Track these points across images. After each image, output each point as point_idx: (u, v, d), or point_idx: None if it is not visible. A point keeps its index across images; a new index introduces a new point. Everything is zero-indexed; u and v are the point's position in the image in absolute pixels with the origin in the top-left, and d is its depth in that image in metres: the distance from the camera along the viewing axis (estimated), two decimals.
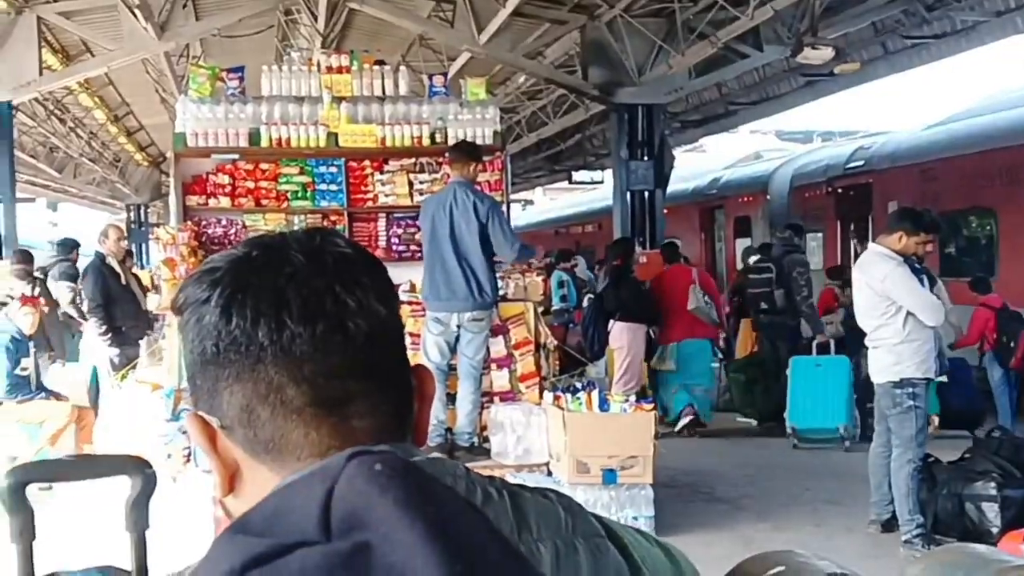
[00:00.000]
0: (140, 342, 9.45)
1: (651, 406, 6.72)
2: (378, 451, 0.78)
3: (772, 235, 13.25)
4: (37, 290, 9.92)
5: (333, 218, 8.10)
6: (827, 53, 11.22)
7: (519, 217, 27.42)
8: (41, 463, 2.48)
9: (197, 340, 0.94)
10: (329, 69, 8.06)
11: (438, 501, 0.73)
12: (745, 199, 16.49)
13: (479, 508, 0.85)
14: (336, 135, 7.86)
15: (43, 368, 8.83)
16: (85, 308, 9.55)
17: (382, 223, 8.22)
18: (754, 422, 10.93)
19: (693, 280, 10.42)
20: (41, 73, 12.14)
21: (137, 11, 10.43)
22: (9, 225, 11.98)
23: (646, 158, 12.33)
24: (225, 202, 8.05)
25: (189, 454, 6.69)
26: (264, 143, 7.82)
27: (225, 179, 8.07)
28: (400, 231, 8.17)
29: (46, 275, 11.64)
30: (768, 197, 15.75)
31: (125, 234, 10.41)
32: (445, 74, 9.10)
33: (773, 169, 16.41)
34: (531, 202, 37.48)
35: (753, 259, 11.47)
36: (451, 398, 6.85)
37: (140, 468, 2.14)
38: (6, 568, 2.06)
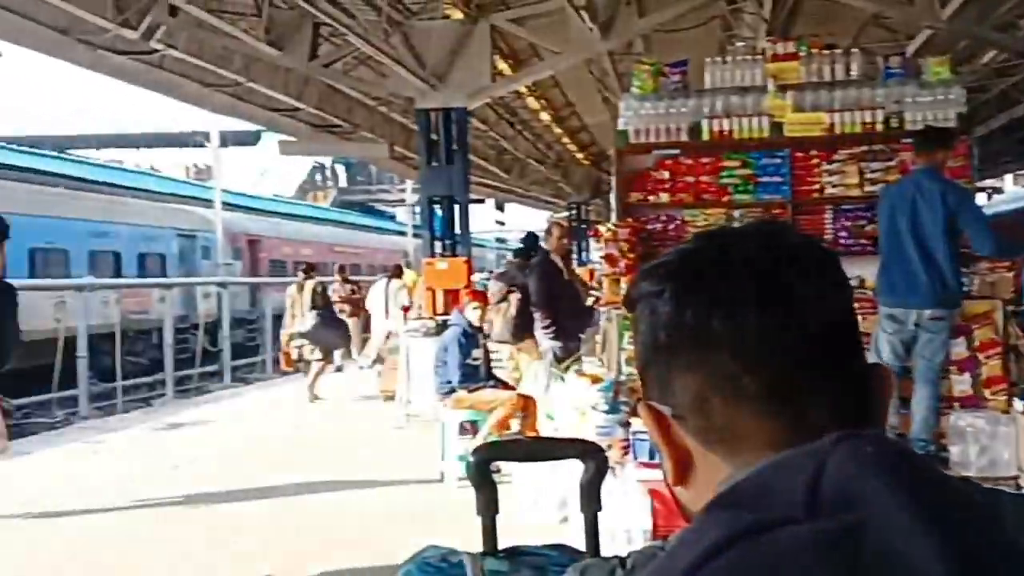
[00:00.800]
0: (581, 336, 9.76)
1: None
2: (868, 435, 0.78)
3: None
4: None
5: (776, 211, 7.83)
6: None
7: (984, 206, 25.32)
8: (504, 443, 2.56)
9: (650, 331, 0.95)
10: (775, 57, 7.81)
11: (933, 487, 0.72)
12: None
13: (976, 499, 0.81)
14: (781, 125, 7.62)
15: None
16: (531, 303, 10.03)
17: (828, 215, 7.83)
18: None
19: None
20: (494, 79, 12.93)
21: (583, 12, 10.77)
22: (464, 225, 12.88)
23: None
24: (665, 198, 8.06)
25: (627, 446, 6.76)
26: (705, 136, 7.75)
27: (665, 174, 8.07)
28: (848, 223, 7.74)
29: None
30: None
31: (568, 232, 10.82)
32: (902, 54, 8.53)
33: None
34: (999, 190, 34.42)
35: None
36: (904, 402, 6.36)
37: (594, 453, 2.12)
38: (474, 540, 2.09)
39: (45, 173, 27.92)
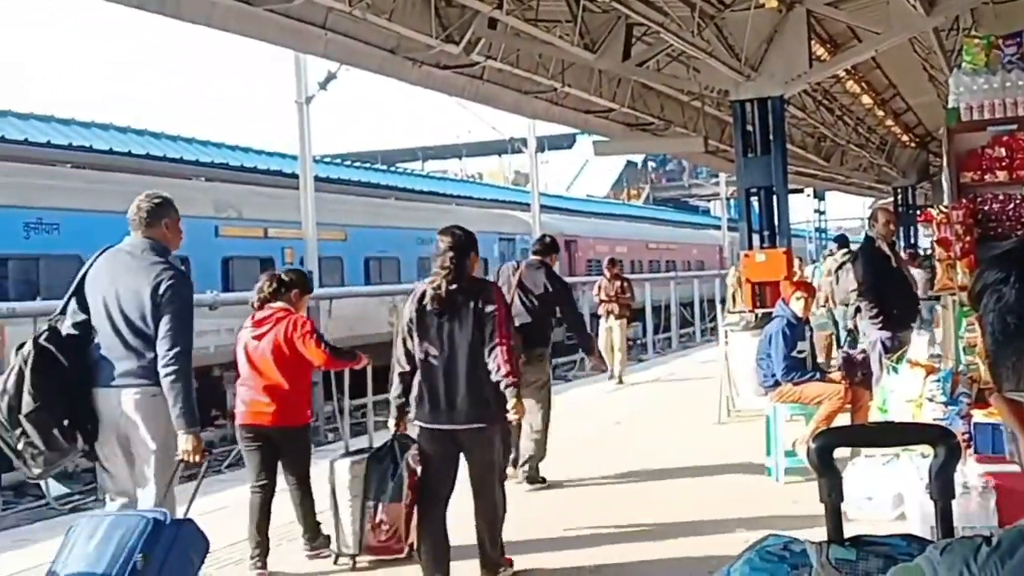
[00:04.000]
0: (912, 325, 9.30)
1: None
2: None
3: None
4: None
5: None
6: None
7: None
8: (847, 429, 2.53)
9: (998, 319, 0.94)
10: None
11: None
12: None
13: None
14: None
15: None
16: (855, 291, 9.70)
17: None
18: None
19: None
20: (810, 65, 12.57)
21: None
22: (783, 216, 12.63)
23: None
24: (1002, 176, 7.55)
25: (969, 439, 6.40)
26: None
27: (1002, 152, 7.57)
28: None
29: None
30: None
31: (894, 217, 10.35)
32: None
33: None
34: None
35: None
36: None
37: (945, 438, 2.05)
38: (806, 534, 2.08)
39: (377, 186, 29.97)
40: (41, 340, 4.76)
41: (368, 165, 39.59)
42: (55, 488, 11.19)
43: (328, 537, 6.20)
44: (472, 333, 5.36)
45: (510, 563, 5.81)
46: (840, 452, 2.00)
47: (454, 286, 5.39)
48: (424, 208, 26.16)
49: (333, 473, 6.05)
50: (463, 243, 5.52)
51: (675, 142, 20.08)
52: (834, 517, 2.04)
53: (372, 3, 10.73)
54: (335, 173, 29.55)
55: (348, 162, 37.87)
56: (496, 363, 5.31)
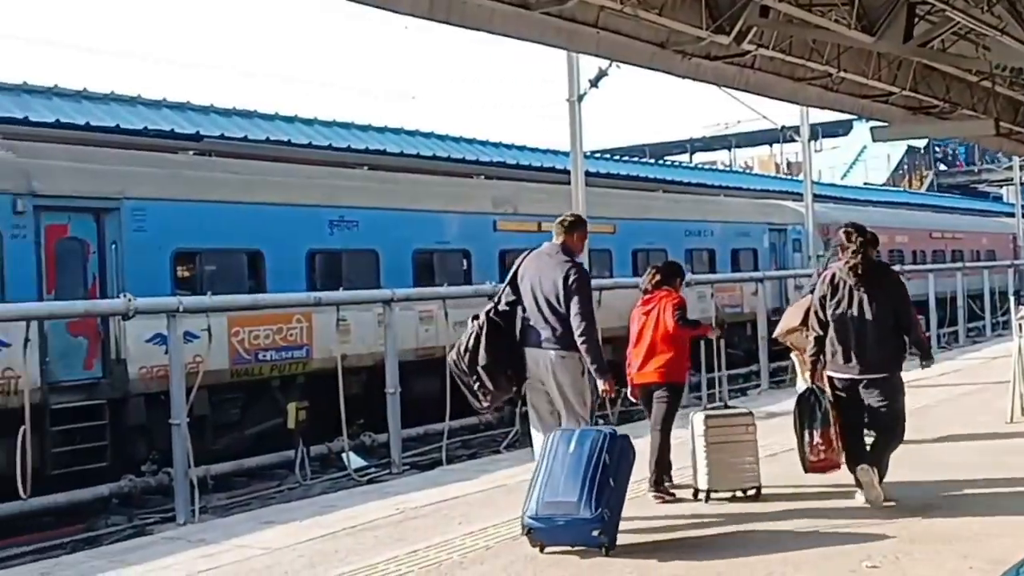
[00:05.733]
0: None
1: None
2: None
3: None
4: None
5: None
6: None
7: None
8: None
9: None
10: None
11: None
12: None
13: None
14: None
15: None
16: None
17: None
18: None
19: None
20: None
21: None
22: None
23: None
24: None
25: None
26: None
27: None
28: None
29: None
30: None
31: None
32: None
33: None
34: None
35: None
36: None
37: None
38: None
39: (645, 179, 30.13)
40: (491, 314, 6.61)
41: (637, 159, 39.78)
42: (355, 461, 12.12)
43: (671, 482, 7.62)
44: (878, 302, 6.93)
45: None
46: None
47: (863, 266, 6.99)
48: (691, 200, 26.02)
49: (695, 426, 7.40)
50: (865, 234, 7.21)
51: (962, 125, 19.03)
52: None
53: None
54: (604, 168, 29.92)
55: (617, 156, 38.20)
56: (915, 336, 7.19)
